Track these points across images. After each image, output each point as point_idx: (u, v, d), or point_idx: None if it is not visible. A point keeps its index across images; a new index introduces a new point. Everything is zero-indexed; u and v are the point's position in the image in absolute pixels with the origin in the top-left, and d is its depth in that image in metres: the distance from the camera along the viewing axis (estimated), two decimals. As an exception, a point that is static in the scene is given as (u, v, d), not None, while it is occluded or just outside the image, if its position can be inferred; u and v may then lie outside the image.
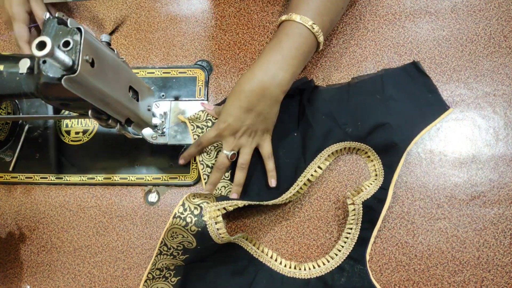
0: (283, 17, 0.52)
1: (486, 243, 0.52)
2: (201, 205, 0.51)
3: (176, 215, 0.51)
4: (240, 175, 0.55)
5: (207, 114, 0.58)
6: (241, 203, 0.51)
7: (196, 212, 0.51)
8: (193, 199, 0.52)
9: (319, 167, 0.54)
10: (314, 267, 0.54)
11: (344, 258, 0.53)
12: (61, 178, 0.62)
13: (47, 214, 0.61)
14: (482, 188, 0.54)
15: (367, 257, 0.53)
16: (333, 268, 0.53)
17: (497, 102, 0.57)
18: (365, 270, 0.52)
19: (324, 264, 0.53)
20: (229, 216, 0.57)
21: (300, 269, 0.54)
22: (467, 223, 0.53)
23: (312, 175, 0.54)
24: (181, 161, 0.57)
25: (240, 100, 0.50)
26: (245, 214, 0.57)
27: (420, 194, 0.55)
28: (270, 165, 0.55)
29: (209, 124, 0.58)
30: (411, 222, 0.54)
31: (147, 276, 0.55)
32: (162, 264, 0.55)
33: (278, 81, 0.49)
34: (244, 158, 0.54)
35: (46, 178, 0.62)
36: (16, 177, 0.62)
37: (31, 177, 0.62)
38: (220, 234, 0.50)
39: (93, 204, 0.61)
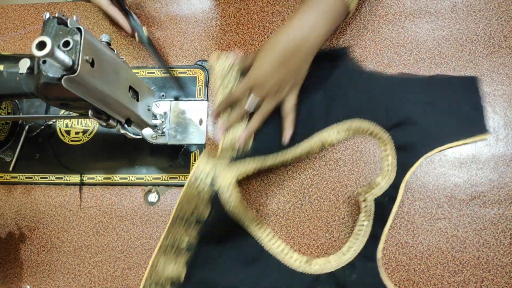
0: None
1: (486, 243, 0.52)
2: (212, 173, 0.51)
3: (190, 183, 0.51)
4: (255, 123, 0.54)
5: (232, 65, 0.57)
6: (252, 169, 0.51)
7: (208, 180, 0.51)
8: (205, 165, 0.52)
9: (338, 132, 0.55)
10: (325, 263, 0.53)
11: (356, 255, 0.53)
12: (61, 178, 0.62)
13: (47, 214, 0.61)
14: (482, 188, 0.54)
15: (380, 255, 0.53)
16: (345, 264, 0.53)
17: (497, 102, 0.56)
18: (375, 268, 0.52)
19: (335, 260, 0.53)
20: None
21: (310, 264, 0.54)
22: (467, 223, 0.53)
23: (327, 139, 0.54)
24: (214, 115, 0.57)
25: (273, 55, 0.51)
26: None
27: (420, 194, 0.55)
28: (288, 121, 0.54)
29: (233, 74, 0.57)
30: (411, 222, 0.54)
31: (159, 248, 0.54)
32: (175, 238, 0.54)
33: (312, 38, 0.51)
34: (266, 107, 0.53)
35: (46, 178, 0.62)
36: (16, 177, 0.62)
37: (31, 177, 0.62)
38: (230, 204, 0.51)
39: (93, 204, 0.61)
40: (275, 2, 0.64)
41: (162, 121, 0.58)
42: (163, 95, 0.62)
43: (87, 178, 0.61)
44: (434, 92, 0.55)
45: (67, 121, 0.64)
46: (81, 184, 0.61)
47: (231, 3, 0.65)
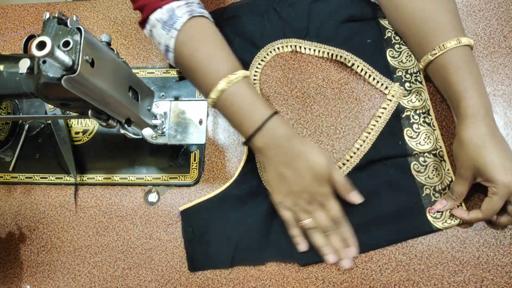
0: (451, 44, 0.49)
1: (486, 243, 0.52)
2: None
3: None
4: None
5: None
6: None
7: None
8: None
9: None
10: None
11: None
12: (61, 178, 0.62)
13: (47, 214, 0.61)
14: (482, 188, 0.54)
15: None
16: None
17: (497, 102, 0.56)
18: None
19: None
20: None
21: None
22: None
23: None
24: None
25: None
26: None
27: (420, 194, 0.55)
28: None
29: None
30: (411, 222, 0.54)
31: None
32: None
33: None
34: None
35: (46, 178, 0.62)
36: (16, 177, 0.62)
37: (31, 177, 0.62)
38: None
39: (93, 204, 0.61)
40: (275, 2, 0.64)
41: (162, 121, 0.58)
42: (163, 95, 0.62)
43: (87, 178, 0.61)
44: None
45: (67, 121, 0.64)
46: (76, 184, 0.61)
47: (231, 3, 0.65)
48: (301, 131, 0.58)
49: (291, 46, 0.61)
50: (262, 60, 0.61)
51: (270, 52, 0.61)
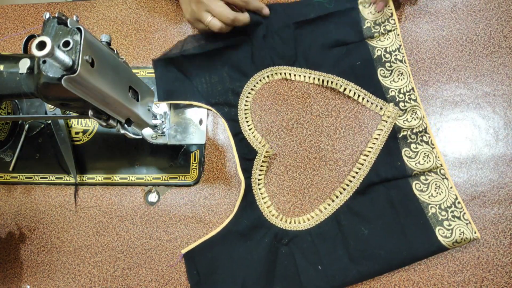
0: None
1: (486, 243, 0.52)
2: None
3: None
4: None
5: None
6: None
7: None
8: None
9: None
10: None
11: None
12: (61, 178, 0.62)
13: (47, 214, 0.61)
14: (482, 188, 0.54)
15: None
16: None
17: (497, 102, 0.57)
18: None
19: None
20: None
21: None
22: (467, 223, 0.53)
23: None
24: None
25: None
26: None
27: (420, 194, 0.55)
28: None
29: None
30: (411, 222, 0.54)
31: None
32: None
33: None
34: None
35: (46, 178, 0.62)
36: (16, 177, 0.62)
37: (31, 177, 0.62)
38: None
39: (93, 204, 0.61)
40: (275, 2, 0.64)
41: (162, 121, 0.58)
42: (163, 95, 0.62)
43: (87, 178, 0.61)
44: None
45: (67, 121, 0.64)
46: (76, 184, 0.61)
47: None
48: (301, 131, 0.58)
49: (280, 73, 0.60)
50: (252, 89, 0.60)
51: (260, 80, 0.61)
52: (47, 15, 0.38)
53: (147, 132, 0.58)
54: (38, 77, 0.38)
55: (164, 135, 0.58)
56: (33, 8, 0.70)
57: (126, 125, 0.49)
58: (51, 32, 0.38)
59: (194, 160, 0.59)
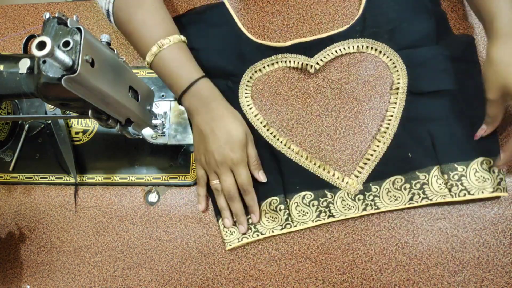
0: None
1: (486, 243, 0.52)
2: None
3: None
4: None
5: None
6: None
7: None
8: None
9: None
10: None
11: None
12: (61, 178, 0.62)
13: (47, 214, 0.61)
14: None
15: None
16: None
17: (497, 102, 0.56)
18: None
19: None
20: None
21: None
22: (467, 223, 0.53)
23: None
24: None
25: None
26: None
27: (420, 194, 0.55)
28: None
29: None
30: (411, 222, 0.54)
31: None
32: None
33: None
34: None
35: (46, 178, 0.62)
36: (16, 177, 0.62)
37: (31, 177, 0.62)
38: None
39: (93, 204, 0.61)
40: (275, 2, 0.64)
41: (162, 121, 0.58)
42: (163, 95, 0.62)
43: (87, 178, 0.61)
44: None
45: (67, 121, 0.64)
46: (76, 184, 0.61)
47: (231, 3, 0.65)
48: (301, 131, 0.58)
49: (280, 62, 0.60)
50: (250, 78, 0.60)
51: (259, 70, 0.60)
52: (47, 15, 0.38)
53: (147, 132, 0.58)
54: (38, 77, 0.38)
55: (164, 135, 0.58)
56: (33, 8, 0.70)
57: (126, 125, 0.49)
58: (51, 32, 0.38)
59: (194, 160, 0.59)
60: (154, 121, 0.55)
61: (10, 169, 0.63)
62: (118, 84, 0.44)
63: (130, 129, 0.51)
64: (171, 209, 0.59)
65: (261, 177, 0.55)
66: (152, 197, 0.59)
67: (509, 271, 0.51)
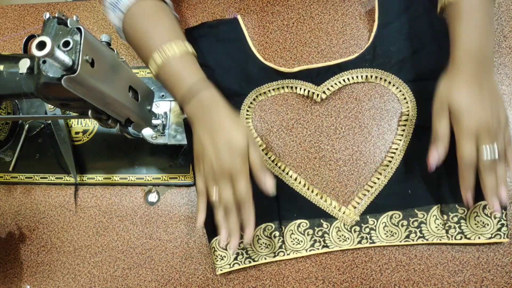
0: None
1: (486, 243, 0.52)
2: None
3: None
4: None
5: None
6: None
7: None
8: None
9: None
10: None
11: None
12: (61, 178, 0.62)
13: (47, 214, 0.61)
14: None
15: None
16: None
17: (497, 102, 0.56)
18: None
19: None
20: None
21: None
22: (467, 223, 0.53)
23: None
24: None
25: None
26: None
27: (420, 194, 0.55)
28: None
29: None
30: (411, 222, 0.54)
31: None
32: None
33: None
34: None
35: (46, 178, 0.62)
36: (16, 177, 0.63)
37: (31, 177, 0.62)
38: None
39: (93, 204, 0.61)
40: (275, 2, 0.64)
41: (162, 121, 0.58)
42: (163, 95, 0.62)
43: (87, 178, 0.61)
44: None
45: (67, 121, 0.64)
46: (76, 184, 0.61)
47: (231, 3, 0.65)
48: (301, 131, 0.58)
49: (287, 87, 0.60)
50: (256, 97, 0.60)
51: (264, 93, 0.60)
52: (47, 15, 0.38)
53: (147, 132, 0.58)
54: (38, 77, 0.38)
55: (164, 135, 0.58)
56: (33, 8, 0.70)
57: (126, 125, 0.49)
58: (51, 32, 0.38)
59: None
60: (154, 121, 0.55)
61: (10, 169, 0.63)
62: (118, 84, 0.44)
63: (130, 129, 0.51)
64: (171, 209, 0.59)
65: (267, 182, 0.49)
66: (152, 197, 0.59)
67: (509, 271, 0.51)
